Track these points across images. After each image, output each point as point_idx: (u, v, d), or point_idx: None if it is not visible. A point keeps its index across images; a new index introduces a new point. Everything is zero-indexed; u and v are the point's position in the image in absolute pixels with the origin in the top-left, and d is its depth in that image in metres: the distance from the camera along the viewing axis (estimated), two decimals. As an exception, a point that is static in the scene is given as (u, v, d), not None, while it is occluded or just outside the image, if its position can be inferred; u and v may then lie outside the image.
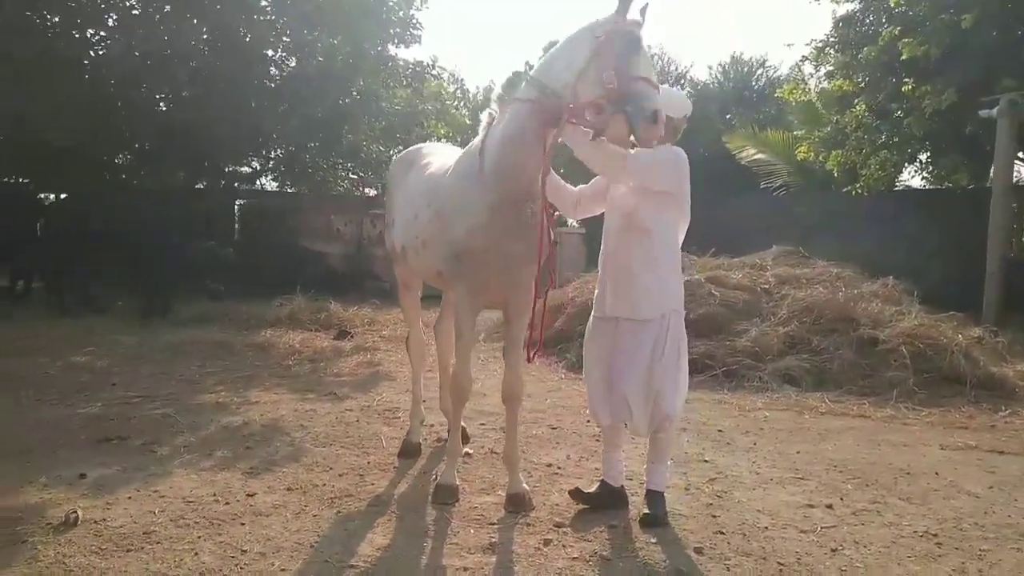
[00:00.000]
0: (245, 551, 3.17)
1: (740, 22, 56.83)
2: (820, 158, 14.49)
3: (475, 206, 3.50)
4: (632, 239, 3.62)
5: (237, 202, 16.33)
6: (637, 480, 4.01)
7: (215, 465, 4.31)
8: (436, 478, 4.06)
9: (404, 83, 12.35)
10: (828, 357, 6.96)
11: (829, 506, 3.84)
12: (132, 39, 9.73)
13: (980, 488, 4.17)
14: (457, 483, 3.90)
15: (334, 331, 9.25)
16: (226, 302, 10.92)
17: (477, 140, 3.67)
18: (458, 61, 47.14)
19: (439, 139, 16.85)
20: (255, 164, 15.80)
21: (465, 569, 3.06)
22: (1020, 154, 12.35)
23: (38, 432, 4.79)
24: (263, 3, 12.15)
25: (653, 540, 3.36)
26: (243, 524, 3.46)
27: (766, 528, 3.54)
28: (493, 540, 3.32)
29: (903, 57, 11.05)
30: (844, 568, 3.12)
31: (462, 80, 26.48)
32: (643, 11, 3.29)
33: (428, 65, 13.24)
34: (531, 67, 3.52)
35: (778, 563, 3.15)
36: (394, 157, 4.95)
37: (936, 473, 4.43)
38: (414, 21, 13.70)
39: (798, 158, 15.37)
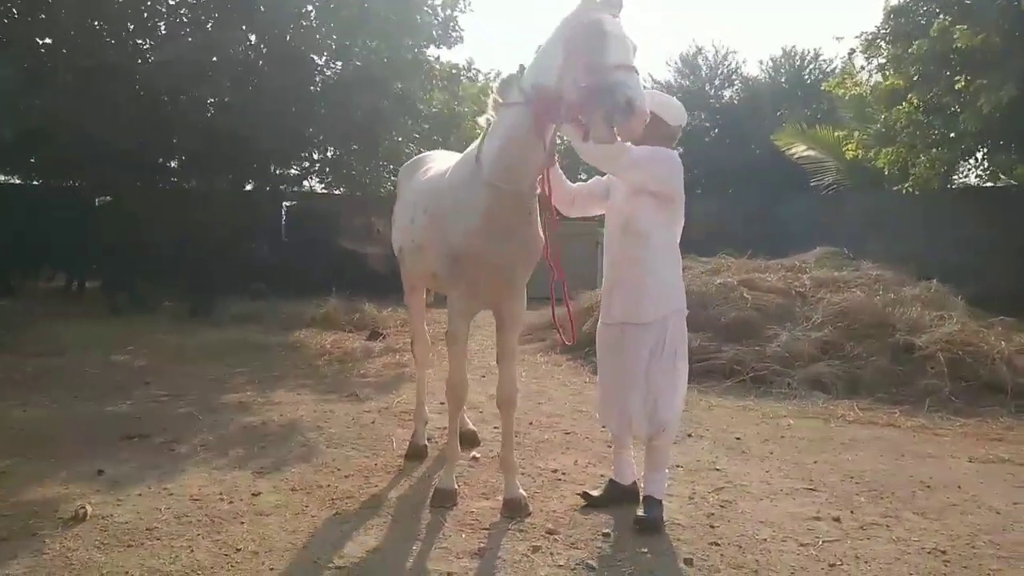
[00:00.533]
0: (239, 549, 3.25)
1: (792, 14, 55.28)
2: (872, 154, 14.02)
3: (471, 210, 3.51)
4: (631, 244, 3.62)
5: (284, 203, 16.74)
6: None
7: (227, 464, 4.43)
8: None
9: (440, 85, 12.46)
10: (861, 364, 6.73)
11: (836, 519, 3.72)
12: (179, 47, 10.05)
13: (1003, 504, 3.98)
14: (456, 487, 3.92)
15: (367, 332, 9.40)
16: (269, 301, 11.19)
17: (474, 145, 3.68)
18: (504, 62, 47.51)
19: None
20: (301, 166, 16.14)
21: (449, 573, 3.08)
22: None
23: (68, 429, 5.01)
24: (308, 8, 12.42)
25: (644, 550, 3.31)
26: (243, 523, 3.55)
27: (764, 540, 3.45)
28: (482, 545, 3.33)
29: (957, 46, 10.57)
30: (839, 585, 3.03)
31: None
32: None
33: (464, 67, 13.37)
34: (524, 69, 3.48)
35: (769, 578, 3.07)
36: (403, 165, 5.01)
37: (959, 487, 4.25)
38: (455, 23, 13.84)
39: (847, 156, 14.89)
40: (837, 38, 26.04)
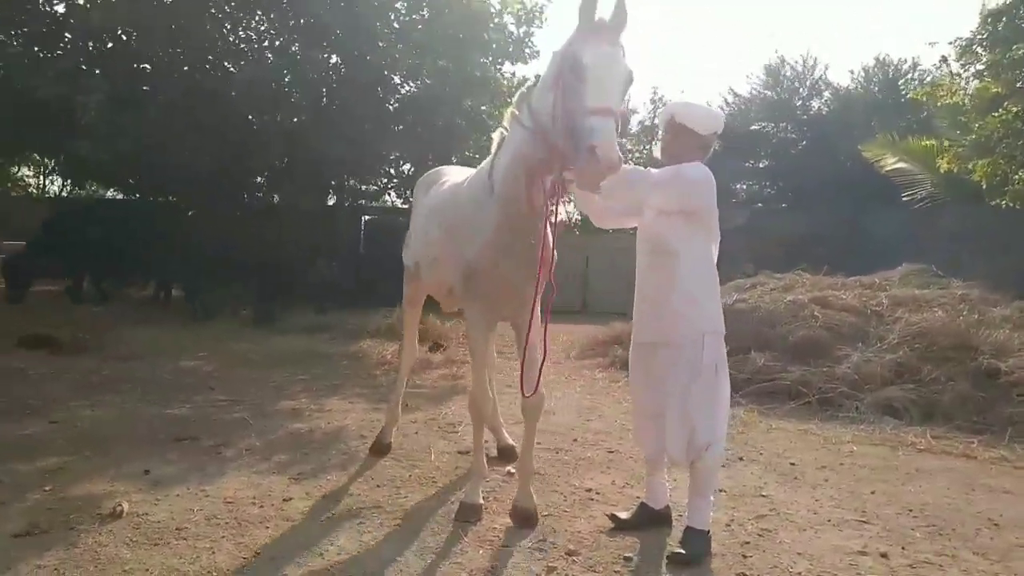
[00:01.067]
0: (258, 554, 3.30)
1: (887, 22, 52.88)
2: (970, 167, 13.16)
3: (484, 226, 3.49)
4: (661, 264, 3.48)
5: (364, 218, 17.24)
6: (681, 510, 3.79)
7: (267, 469, 4.52)
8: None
9: (508, 101, 12.48)
10: (939, 388, 6.27)
11: (884, 555, 3.45)
12: (260, 70, 10.53)
13: (1082, 549, 3.59)
14: (480, 502, 3.87)
15: (428, 344, 9.47)
16: (341, 313, 11.47)
17: (487, 161, 3.65)
18: None
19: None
20: (380, 182, 16.60)
21: (457, 590, 3.02)
22: None
23: (127, 429, 5.25)
24: (386, 30, 12.80)
25: (664, 578, 3.16)
26: (268, 527, 3.60)
27: (799, 574, 3.22)
28: (496, 564, 3.25)
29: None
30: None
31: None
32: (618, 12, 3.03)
33: (533, 82, 13.34)
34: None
35: (796, 615, 2.86)
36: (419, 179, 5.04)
37: (1032, 527, 3.86)
38: (530, 39, 13.95)
39: (941, 169, 14.03)
40: (930, 44, 24.76)
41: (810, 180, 21.49)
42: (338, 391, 6.93)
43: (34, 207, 15.31)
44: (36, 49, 10.69)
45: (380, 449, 4.91)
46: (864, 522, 3.90)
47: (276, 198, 15.76)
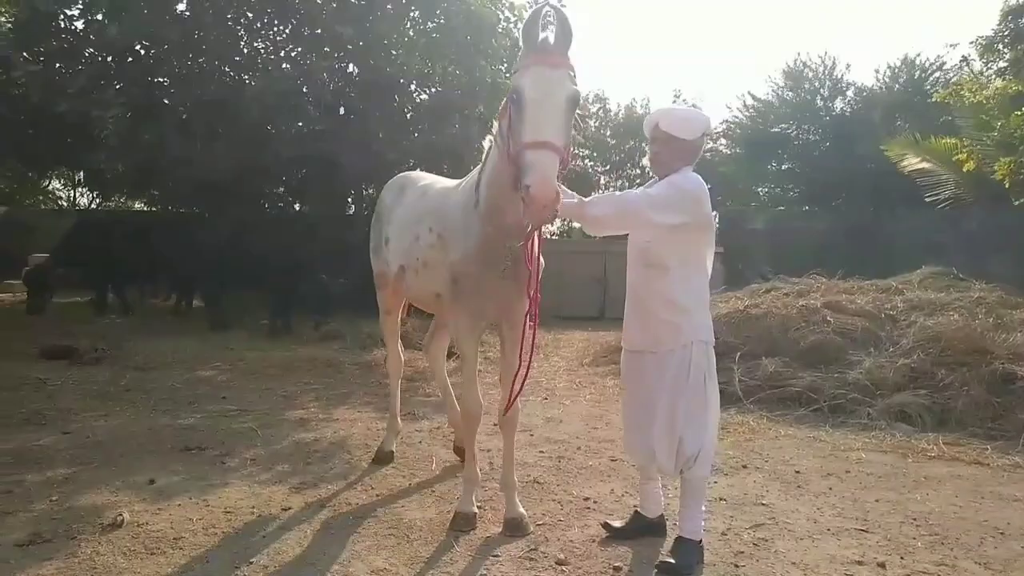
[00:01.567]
0: (251, 562, 3.34)
1: (913, 21, 52.07)
2: (995, 166, 12.91)
3: (470, 235, 3.53)
4: (650, 274, 3.45)
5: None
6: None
7: (269, 479, 4.57)
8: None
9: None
10: (953, 394, 6.15)
11: (881, 564, 3.39)
12: (269, 79, 10.69)
13: (1089, 559, 3.50)
14: (475, 511, 3.88)
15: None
16: (356, 322, 11.54)
17: (475, 172, 3.66)
18: (604, 80, 47.35)
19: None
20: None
21: (443, 600, 3.03)
22: None
23: (136, 439, 5.34)
24: (404, 39, 12.93)
25: (652, 588, 3.14)
26: (264, 537, 3.65)
27: (791, 585, 3.19)
28: (483, 573, 3.26)
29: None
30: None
31: (606, 99, 26.48)
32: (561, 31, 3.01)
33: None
34: None
35: (783, 626, 2.83)
36: (386, 184, 5.06)
37: (1039, 536, 3.77)
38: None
39: (963, 168, 13.77)
40: (951, 45, 24.35)
41: (833, 181, 21.27)
42: (347, 400, 6.99)
43: (62, 220, 15.61)
44: (58, 66, 10.95)
45: (382, 458, 4.97)
46: (864, 531, 3.84)
47: (300, 207, 15.98)
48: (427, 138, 12.66)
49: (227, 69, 12.00)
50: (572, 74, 3.03)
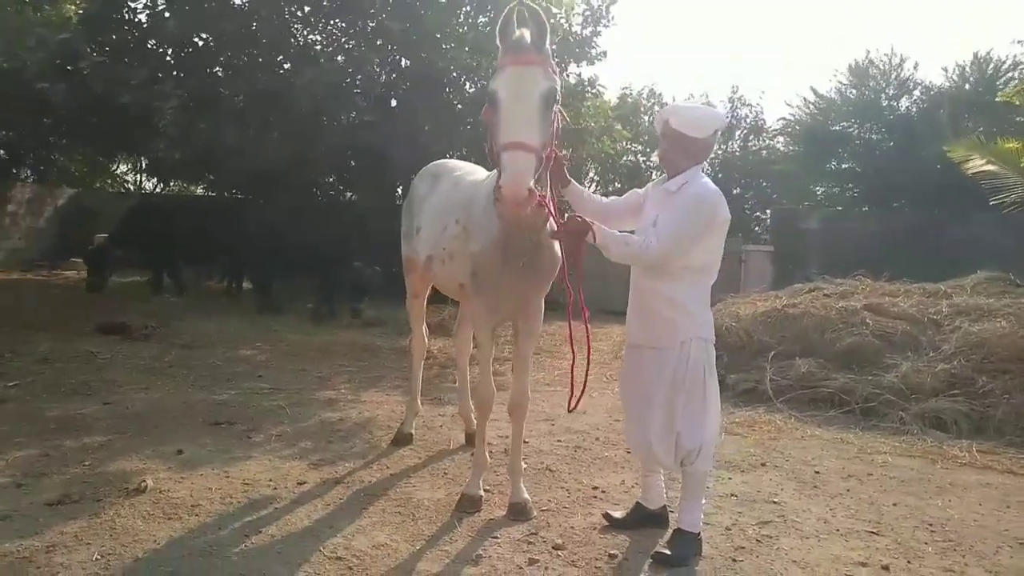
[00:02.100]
0: (260, 532, 3.48)
1: (987, 18, 49.76)
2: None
3: (489, 228, 3.56)
4: (653, 272, 3.42)
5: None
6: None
7: (291, 454, 4.74)
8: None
9: (561, 103, 12.47)
10: (993, 402, 5.93)
11: (885, 567, 3.33)
12: (318, 70, 10.94)
13: (1110, 574, 3.36)
14: (481, 494, 3.95)
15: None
16: (398, 308, 11.73)
17: None
18: (661, 75, 46.58)
19: (607, 156, 16.79)
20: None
21: (436, 575, 3.11)
22: None
23: (171, 411, 5.59)
24: (457, 31, 13.05)
25: (644, 577, 3.15)
26: (276, 509, 3.79)
27: (787, 582, 3.16)
28: (481, 553, 3.33)
29: None
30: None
31: (659, 95, 26.11)
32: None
33: (587, 83, 13.35)
34: None
35: (770, 621, 2.81)
36: (419, 171, 5.11)
37: (1061, 549, 3.64)
38: (594, 40, 13.92)
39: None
40: (1017, 41, 23.09)
41: (894, 183, 20.55)
42: (378, 383, 7.15)
43: (126, 202, 16.31)
44: (126, 59, 11.43)
45: (401, 440, 5.08)
46: (875, 534, 3.76)
47: (351, 195, 16.31)
48: (475, 131, 12.75)
49: (281, 59, 12.31)
50: (548, 70, 3.06)
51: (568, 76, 14.02)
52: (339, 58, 12.98)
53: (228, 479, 4.19)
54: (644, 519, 3.70)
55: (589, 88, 13.31)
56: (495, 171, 3.89)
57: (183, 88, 10.68)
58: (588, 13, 13.98)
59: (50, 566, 3.04)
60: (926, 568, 3.36)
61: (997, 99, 15.17)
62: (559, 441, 5.34)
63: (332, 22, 12.81)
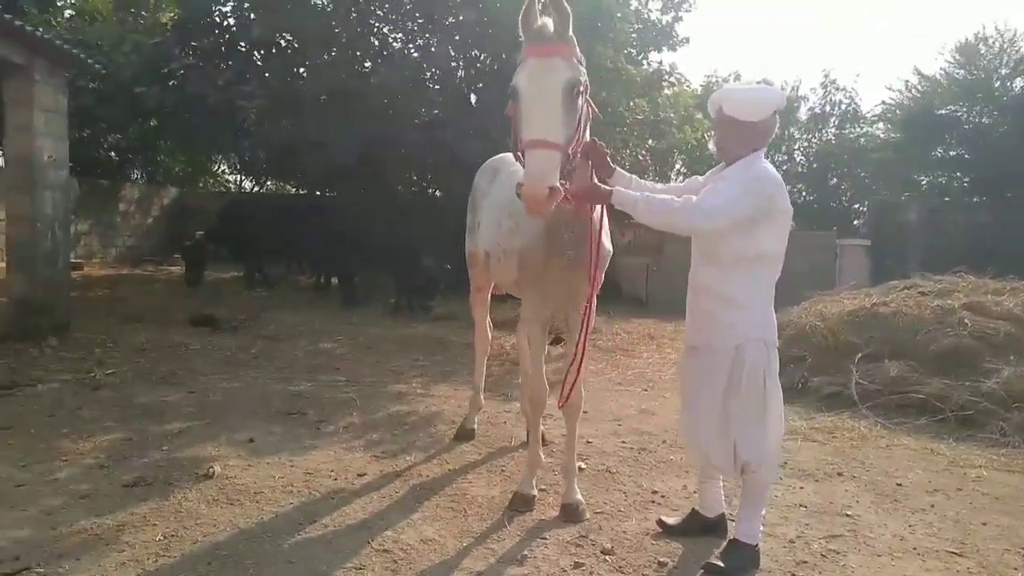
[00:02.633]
0: (314, 521, 3.57)
1: None
2: None
3: (535, 222, 3.50)
4: (706, 267, 3.28)
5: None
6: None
7: (356, 446, 4.84)
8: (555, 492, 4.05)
9: (638, 93, 12.25)
10: (1110, 413, 5.40)
11: (964, 592, 3.07)
12: (393, 67, 11.13)
13: None
14: (534, 493, 3.91)
15: (551, 337, 9.53)
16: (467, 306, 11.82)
17: None
18: (744, 57, 44.63)
19: (688, 146, 16.31)
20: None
21: (479, 574, 3.09)
22: None
23: (249, 401, 5.82)
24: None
25: (694, 588, 3.03)
26: (334, 499, 3.88)
27: (850, 602, 2.96)
28: (527, 554, 3.28)
29: None
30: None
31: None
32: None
33: (666, 71, 12.99)
34: None
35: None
36: (481, 166, 5.05)
37: None
38: (673, 28, 13.58)
39: None
40: None
41: (1009, 171, 19.06)
42: (448, 378, 7.22)
43: (221, 201, 17.18)
44: (215, 62, 12.00)
45: (463, 435, 5.10)
46: (957, 555, 3.48)
47: (434, 191, 16.56)
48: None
49: (359, 56, 12.58)
50: (572, 60, 2.96)
51: (648, 64, 13.74)
52: (414, 54, 13.17)
53: (292, 468, 4.32)
54: (700, 527, 3.55)
55: (667, 76, 12.95)
56: None
57: (266, 88, 11.10)
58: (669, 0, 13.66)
59: (117, 544, 3.22)
60: (1011, 595, 3.08)
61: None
62: (623, 443, 5.22)
63: (410, 19, 13.00)
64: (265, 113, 10.49)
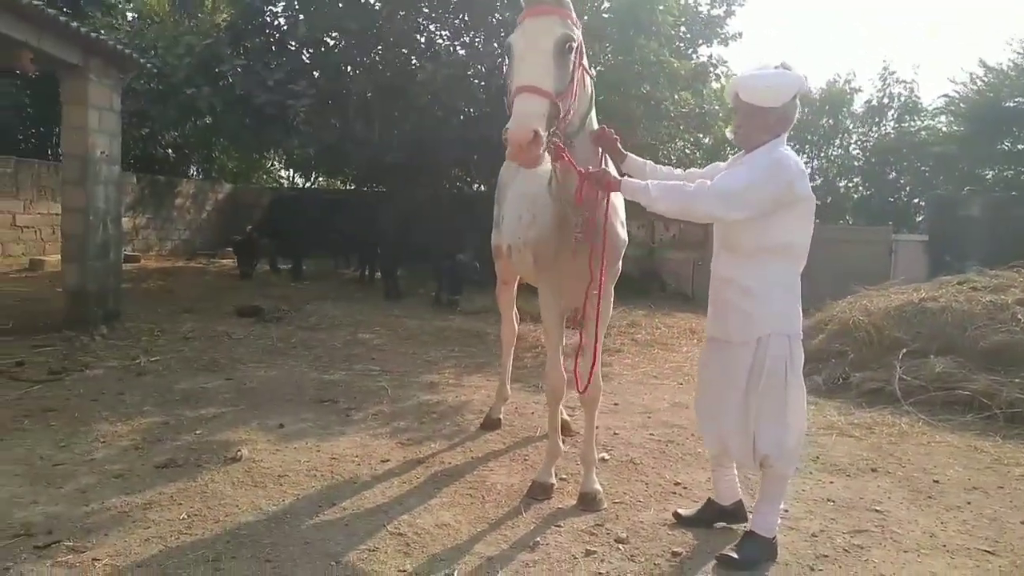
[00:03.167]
0: (334, 504, 3.63)
1: None
2: None
3: (547, 213, 3.55)
4: (727, 256, 3.23)
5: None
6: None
7: (384, 433, 4.91)
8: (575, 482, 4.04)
9: (683, 86, 12.04)
10: None
11: (990, 592, 2.95)
12: (437, 64, 11.21)
13: None
14: (552, 481, 3.91)
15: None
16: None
17: None
18: (796, 49, 43.34)
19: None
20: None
21: (490, 558, 3.11)
22: None
23: (284, 389, 5.95)
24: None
25: (705, 578, 2.98)
26: (355, 483, 3.94)
27: (868, 598, 2.88)
28: (539, 540, 3.28)
29: None
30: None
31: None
32: None
33: (712, 64, 12.73)
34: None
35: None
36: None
37: None
38: (723, 21, 13.34)
39: None
40: None
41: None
42: (481, 369, 7.25)
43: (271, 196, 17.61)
44: (264, 61, 12.28)
45: (489, 424, 5.13)
46: (990, 553, 3.35)
47: (478, 186, 16.65)
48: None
49: (405, 51, 12.71)
50: (567, 20, 2.97)
51: (697, 57, 13.51)
52: (460, 52, 13.25)
53: (318, 453, 4.41)
54: (716, 516, 3.50)
55: (712, 69, 12.71)
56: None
57: (315, 87, 11.31)
58: (720, -8, 13.42)
59: (144, 521, 3.33)
60: (1042, 596, 2.94)
61: None
62: (651, 435, 5.17)
63: (456, 17, 13.08)
64: (313, 112, 10.70)
